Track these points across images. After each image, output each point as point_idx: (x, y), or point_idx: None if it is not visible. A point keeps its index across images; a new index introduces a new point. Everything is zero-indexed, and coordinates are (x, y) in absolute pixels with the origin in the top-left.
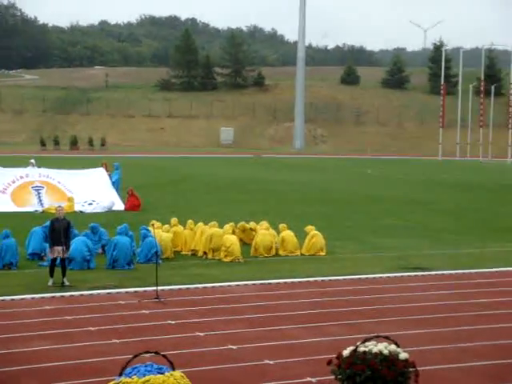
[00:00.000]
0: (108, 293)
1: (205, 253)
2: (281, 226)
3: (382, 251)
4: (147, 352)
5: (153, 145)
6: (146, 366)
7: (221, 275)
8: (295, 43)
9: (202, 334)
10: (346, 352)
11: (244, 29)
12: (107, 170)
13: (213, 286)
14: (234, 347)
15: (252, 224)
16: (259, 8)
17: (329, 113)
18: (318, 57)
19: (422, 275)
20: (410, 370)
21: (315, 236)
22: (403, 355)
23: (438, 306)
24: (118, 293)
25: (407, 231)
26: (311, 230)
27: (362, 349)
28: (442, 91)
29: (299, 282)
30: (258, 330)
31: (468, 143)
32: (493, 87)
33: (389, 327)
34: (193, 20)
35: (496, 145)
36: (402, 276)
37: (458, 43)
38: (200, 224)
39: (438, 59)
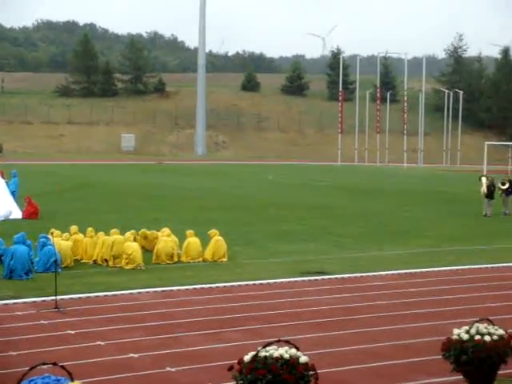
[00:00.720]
0: (4, 304)
1: (106, 260)
2: (188, 232)
3: (282, 256)
4: (44, 363)
5: (52, 152)
6: (43, 378)
7: (122, 283)
8: (196, 50)
9: (102, 344)
10: (247, 357)
11: (144, 35)
12: (3, 178)
13: (114, 295)
14: (136, 355)
15: (153, 232)
16: (159, 14)
17: (230, 119)
18: (219, 63)
19: (322, 279)
20: (310, 373)
21: (218, 241)
22: (303, 359)
23: (337, 309)
24: (15, 303)
25: (308, 236)
26: (215, 234)
27: (263, 354)
28: (340, 98)
29: (201, 288)
30: (160, 338)
31: (366, 149)
32: (388, 94)
33: (290, 331)
34: (92, 25)
35: (393, 150)
36: (302, 280)
37: (355, 51)
38: (100, 233)
39: (336, 66)
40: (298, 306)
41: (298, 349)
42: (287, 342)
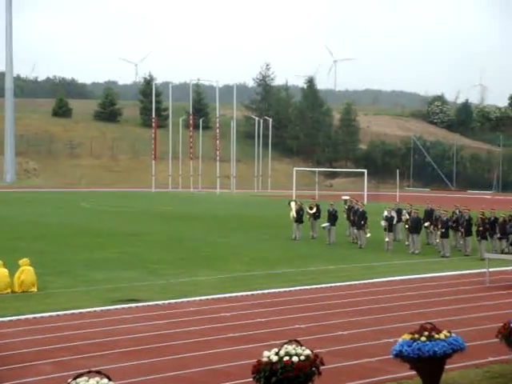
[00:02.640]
0: None
1: None
2: None
3: (95, 285)
4: None
5: None
6: None
7: None
8: (2, 74)
9: None
10: None
11: None
12: None
13: None
14: None
15: None
16: None
17: (41, 145)
18: (28, 88)
19: (136, 307)
20: None
21: (24, 271)
22: None
23: (151, 336)
24: None
25: (121, 263)
26: (24, 262)
27: None
28: (153, 124)
29: (9, 320)
30: None
31: (180, 175)
32: (201, 121)
33: (103, 361)
34: None
35: (206, 176)
36: (115, 308)
37: (168, 78)
38: None
39: (148, 93)
40: (111, 335)
41: (109, 379)
42: (98, 373)
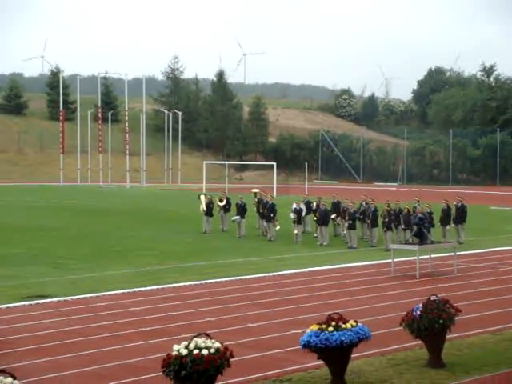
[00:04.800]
0: None
1: None
2: None
3: (2, 281)
4: None
5: None
6: None
7: None
8: None
9: None
10: None
11: None
12: None
13: None
14: None
15: None
16: None
17: None
18: None
19: (44, 303)
20: None
21: None
22: None
23: (59, 332)
24: None
25: (28, 259)
26: None
27: None
28: (61, 117)
29: None
30: None
31: (89, 168)
32: (110, 114)
33: (9, 359)
34: None
35: (116, 170)
36: (23, 305)
37: (76, 70)
38: None
39: (55, 85)
40: (17, 333)
41: (14, 377)
42: (2, 372)
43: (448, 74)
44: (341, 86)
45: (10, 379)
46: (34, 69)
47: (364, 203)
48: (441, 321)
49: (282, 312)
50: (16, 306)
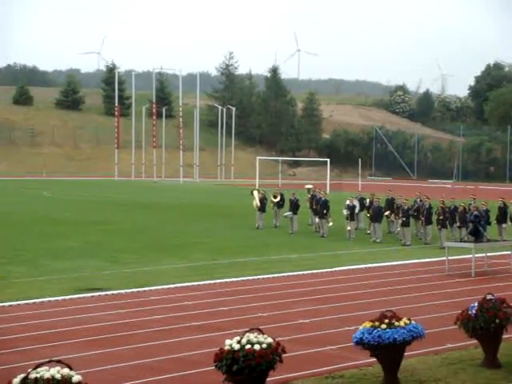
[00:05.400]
0: None
1: None
2: None
3: (58, 274)
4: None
5: None
6: None
7: None
8: None
9: None
10: (16, 380)
11: None
12: None
13: None
14: None
15: None
16: None
17: (2, 134)
18: None
19: (100, 295)
20: None
21: None
22: (76, 378)
23: (115, 325)
24: None
25: (84, 252)
26: None
27: (33, 375)
28: (116, 113)
29: None
30: None
31: (143, 163)
32: (164, 109)
33: (65, 350)
34: None
35: (169, 165)
36: (79, 298)
37: (131, 66)
38: None
39: (111, 81)
40: (74, 324)
41: (71, 368)
42: (59, 362)
43: (507, 69)
44: (395, 81)
45: (66, 370)
46: (90, 65)
47: (418, 200)
48: (497, 320)
49: (335, 308)
50: (72, 299)
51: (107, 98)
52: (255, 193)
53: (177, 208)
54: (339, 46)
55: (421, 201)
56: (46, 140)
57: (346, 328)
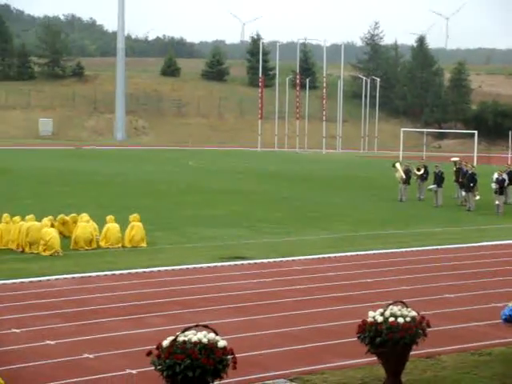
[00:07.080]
0: None
1: (22, 247)
2: (107, 217)
3: (203, 241)
4: None
5: None
6: None
7: (39, 269)
8: (114, 33)
9: (18, 331)
10: (165, 342)
11: (61, 17)
12: None
13: (31, 281)
14: (52, 342)
15: (74, 215)
16: None
17: (150, 104)
18: (139, 48)
19: (243, 264)
20: (229, 357)
21: (134, 227)
22: (222, 343)
23: (258, 293)
24: None
25: (228, 221)
26: (134, 219)
27: (181, 338)
28: (260, 84)
29: (120, 274)
30: (78, 324)
31: (286, 134)
32: (307, 80)
33: (210, 316)
34: (5, 6)
35: (312, 136)
36: (222, 266)
37: (275, 37)
38: (16, 218)
39: (255, 52)
40: (218, 291)
41: (216, 333)
42: (206, 327)
43: None
44: None
45: (212, 334)
46: (234, 36)
47: None
48: None
49: (481, 284)
50: (216, 266)
51: (251, 69)
52: (398, 165)
53: (319, 179)
54: (489, 11)
55: None
56: (191, 111)
57: (493, 305)
